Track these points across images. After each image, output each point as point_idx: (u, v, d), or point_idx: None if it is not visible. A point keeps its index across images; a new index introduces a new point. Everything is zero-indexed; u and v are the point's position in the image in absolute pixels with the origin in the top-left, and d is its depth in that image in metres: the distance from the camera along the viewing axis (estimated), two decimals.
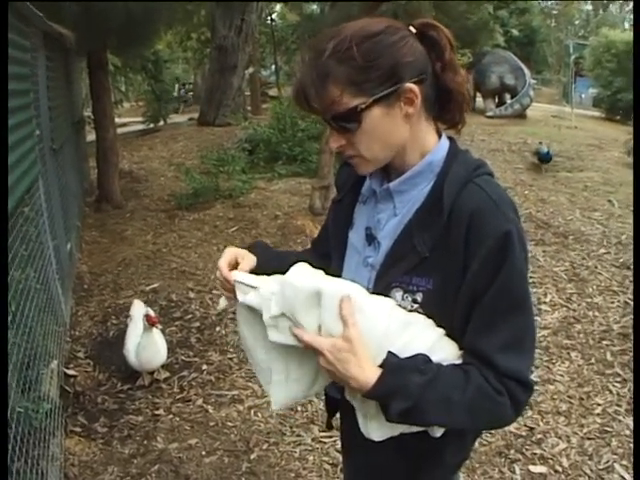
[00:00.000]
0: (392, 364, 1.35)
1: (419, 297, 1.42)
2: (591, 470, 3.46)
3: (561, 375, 4.40)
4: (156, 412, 4.04)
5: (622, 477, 3.40)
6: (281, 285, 1.43)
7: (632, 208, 8.21)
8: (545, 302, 5.52)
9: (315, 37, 1.46)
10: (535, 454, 3.59)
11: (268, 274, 1.53)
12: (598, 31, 33.64)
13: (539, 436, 3.75)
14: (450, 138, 1.54)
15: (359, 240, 1.59)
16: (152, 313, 4.20)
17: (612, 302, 5.51)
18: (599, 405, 4.06)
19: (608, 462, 3.52)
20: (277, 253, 1.79)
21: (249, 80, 20.26)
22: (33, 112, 4.45)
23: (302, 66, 1.41)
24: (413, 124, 1.43)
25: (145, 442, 3.75)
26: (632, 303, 5.41)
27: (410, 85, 1.36)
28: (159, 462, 3.56)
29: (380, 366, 1.35)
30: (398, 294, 1.44)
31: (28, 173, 3.89)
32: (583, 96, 30.65)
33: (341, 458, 2.02)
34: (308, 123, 11.57)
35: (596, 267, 6.27)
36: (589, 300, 5.56)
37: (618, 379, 4.34)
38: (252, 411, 4.04)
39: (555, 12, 48.55)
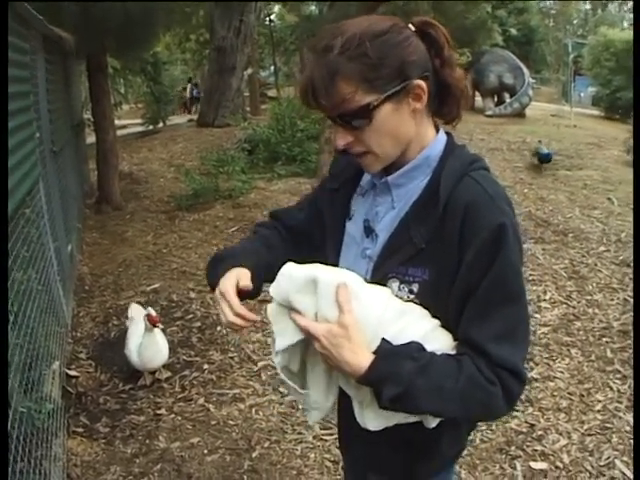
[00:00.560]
0: (385, 350, 1.38)
1: (415, 288, 1.44)
2: (592, 466, 3.46)
3: (561, 372, 4.41)
4: (158, 412, 4.05)
5: (623, 473, 3.40)
6: (278, 276, 1.45)
7: (632, 206, 8.23)
8: (545, 299, 5.53)
9: (315, 37, 1.46)
10: (536, 450, 3.60)
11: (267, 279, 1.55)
12: (597, 30, 33.69)
13: (540, 433, 3.76)
14: (447, 133, 1.56)
15: (357, 232, 1.60)
16: (153, 313, 4.21)
17: (612, 299, 5.52)
18: (599, 402, 4.07)
19: (609, 458, 3.52)
20: (254, 255, 1.69)
21: (248, 81, 20.29)
22: (33, 115, 4.46)
23: (308, 64, 1.41)
24: (417, 119, 1.45)
25: (147, 441, 3.76)
26: (632, 300, 5.42)
27: (419, 81, 1.38)
28: (161, 461, 3.56)
29: (374, 352, 1.37)
30: (395, 284, 1.46)
31: (29, 175, 3.90)
32: (582, 95, 30.72)
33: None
34: (307, 123, 11.58)
35: (596, 265, 6.29)
36: (589, 297, 5.57)
37: (618, 376, 4.35)
38: (253, 410, 4.05)
39: (554, 11, 48.59)
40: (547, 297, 5.58)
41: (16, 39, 3.85)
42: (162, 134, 16.13)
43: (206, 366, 4.58)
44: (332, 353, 1.37)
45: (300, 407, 3.99)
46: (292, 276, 1.43)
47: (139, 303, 5.10)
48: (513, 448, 3.62)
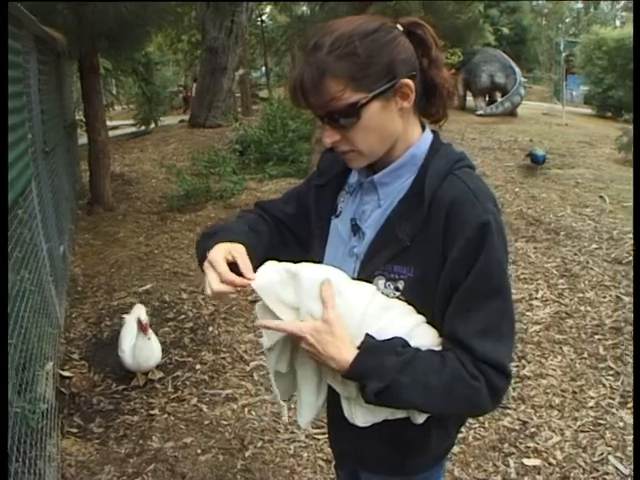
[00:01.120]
0: (369, 345, 1.39)
1: (401, 285, 1.46)
2: (585, 462, 3.48)
3: (554, 369, 4.42)
4: (151, 412, 4.05)
5: (616, 468, 3.42)
6: (259, 272, 1.45)
7: (626, 204, 8.26)
8: (537, 298, 5.55)
9: (305, 37, 1.47)
10: (529, 447, 3.62)
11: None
12: (589, 29, 33.79)
13: (532, 430, 3.77)
14: (433, 131, 1.58)
15: (345, 230, 1.62)
16: (144, 319, 4.18)
17: (604, 297, 5.53)
18: (592, 398, 4.09)
19: (602, 454, 3.54)
20: (244, 234, 1.63)
21: (239, 81, 20.30)
22: (26, 115, 4.45)
23: (298, 62, 1.43)
24: (404, 118, 1.47)
25: (141, 442, 3.76)
26: (624, 298, 5.44)
27: (406, 80, 1.40)
28: (155, 461, 3.57)
29: (358, 347, 1.39)
30: (381, 282, 1.48)
31: (22, 176, 3.90)
32: (574, 93, 30.81)
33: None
34: (298, 124, 11.59)
35: (588, 262, 6.31)
36: (581, 295, 5.59)
37: (611, 372, 4.37)
38: (246, 409, 4.06)
39: (546, 10, 48.65)
40: (539, 295, 5.60)
41: (9, 39, 3.84)
42: (154, 135, 16.12)
43: (198, 366, 4.58)
44: (317, 349, 1.39)
45: (292, 405, 4.01)
46: (275, 271, 1.45)
47: (129, 305, 5.10)
48: (506, 445, 3.64)
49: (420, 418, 1.51)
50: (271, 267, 1.46)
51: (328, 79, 1.35)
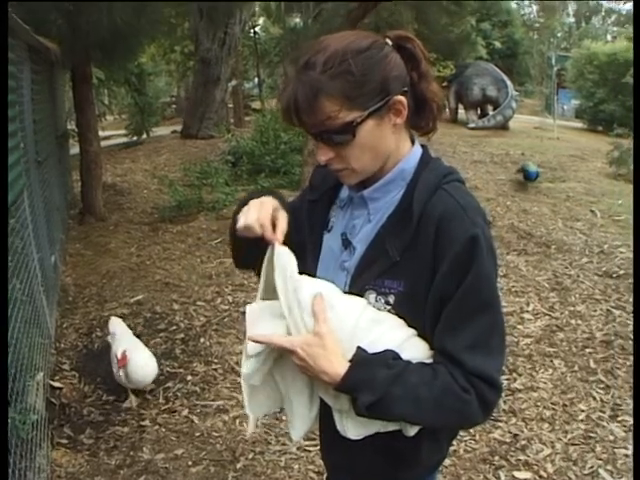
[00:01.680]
0: (360, 358, 1.40)
1: (391, 299, 1.47)
2: (576, 475, 3.48)
3: (544, 382, 4.43)
4: (142, 423, 4.04)
5: None
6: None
7: (616, 218, 8.29)
8: (528, 311, 5.56)
9: (297, 51, 1.47)
10: (519, 460, 3.62)
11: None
12: (580, 43, 34.03)
13: (523, 442, 3.78)
14: (423, 146, 1.59)
15: (336, 245, 1.62)
16: (119, 354, 4.07)
17: (595, 310, 5.55)
18: (583, 411, 4.10)
19: (592, 467, 3.54)
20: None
21: (232, 93, 20.30)
22: (18, 124, 4.45)
23: (290, 81, 1.42)
24: (396, 134, 1.48)
25: (131, 453, 3.74)
26: (615, 311, 5.46)
27: (399, 97, 1.41)
28: (145, 473, 3.55)
29: (349, 360, 1.40)
30: (372, 296, 1.49)
31: (14, 185, 3.89)
32: (565, 107, 30.98)
33: None
34: (291, 135, 11.59)
35: (578, 276, 6.33)
36: (572, 309, 5.60)
37: (601, 386, 4.38)
38: (237, 421, 4.05)
39: (538, 25, 48.96)
40: (530, 308, 5.61)
41: None
42: (146, 145, 16.09)
43: (190, 378, 4.57)
44: (309, 363, 1.40)
45: (284, 417, 4.00)
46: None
47: (119, 316, 5.08)
48: (497, 458, 3.64)
49: (412, 430, 1.51)
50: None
51: (323, 99, 1.35)
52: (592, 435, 3.84)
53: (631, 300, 5.63)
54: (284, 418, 3.96)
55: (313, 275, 1.60)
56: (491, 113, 20.10)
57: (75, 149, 9.92)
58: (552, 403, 4.19)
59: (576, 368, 4.61)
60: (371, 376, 1.37)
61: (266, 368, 1.55)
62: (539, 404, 4.17)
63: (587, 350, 4.87)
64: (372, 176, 1.52)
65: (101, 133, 10.52)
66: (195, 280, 6.42)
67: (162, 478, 3.51)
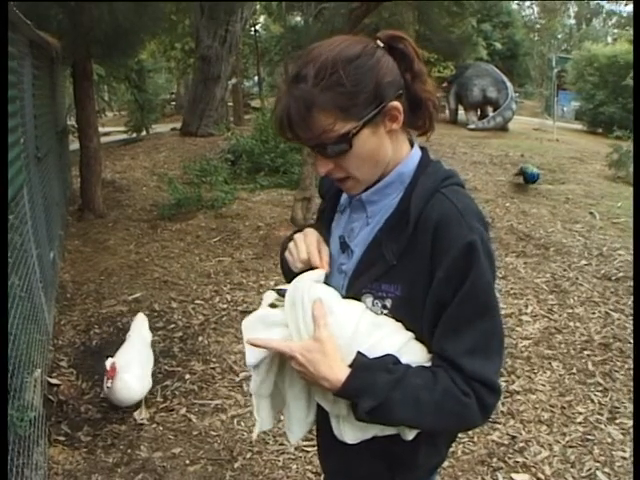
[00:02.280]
0: (361, 363, 1.40)
1: (388, 303, 1.46)
2: (573, 478, 3.48)
3: (543, 385, 4.42)
4: (139, 421, 4.03)
5: None
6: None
7: (615, 220, 8.29)
8: (526, 313, 5.56)
9: (290, 61, 1.46)
10: (517, 462, 3.61)
11: None
12: (581, 45, 34.03)
13: (521, 444, 3.77)
14: (422, 148, 1.58)
15: (335, 248, 1.62)
16: (108, 367, 3.91)
17: (593, 313, 5.55)
18: (581, 414, 4.09)
19: (590, 470, 3.54)
20: None
21: (232, 91, 20.30)
22: (19, 120, 4.44)
23: (282, 95, 1.41)
24: (393, 139, 1.47)
25: (129, 451, 3.73)
26: (613, 314, 5.46)
27: (394, 103, 1.40)
28: (143, 471, 3.55)
29: (350, 366, 1.39)
30: (368, 300, 1.49)
31: (14, 181, 3.88)
32: (565, 109, 30.97)
33: None
34: None
35: (577, 278, 6.33)
36: (570, 311, 5.60)
37: (599, 388, 4.38)
38: (235, 420, 4.04)
39: (538, 26, 48.99)
40: (528, 311, 5.61)
41: None
42: (145, 142, 16.09)
43: (188, 376, 4.56)
44: (309, 369, 1.40)
45: (282, 417, 3.98)
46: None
47: (120, 314, 5.06)
48: (495, 460, 3.63)
49: (410, 434, 1.51)
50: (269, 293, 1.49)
51: (316, 113, 1.34)
52: (590, 437, 3.84)
53: (630, 303, 5.63)
54: (282, 418, 3.95)
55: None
56: (491, 114, 20.10)
57: (75, 145, 9.91)
58: (550, 405, 4.18)
59: (574, 370, 4.61)
60: (372, 381, 1.37)
61: (272, 377, 1.55)
62: (537, 406, 4.17)
63: (585, 353, 4.87)
64: None
65: (101, 129, 10.51)
66: (194, 278, 6.42)
67: (159, 477, 3.50)
